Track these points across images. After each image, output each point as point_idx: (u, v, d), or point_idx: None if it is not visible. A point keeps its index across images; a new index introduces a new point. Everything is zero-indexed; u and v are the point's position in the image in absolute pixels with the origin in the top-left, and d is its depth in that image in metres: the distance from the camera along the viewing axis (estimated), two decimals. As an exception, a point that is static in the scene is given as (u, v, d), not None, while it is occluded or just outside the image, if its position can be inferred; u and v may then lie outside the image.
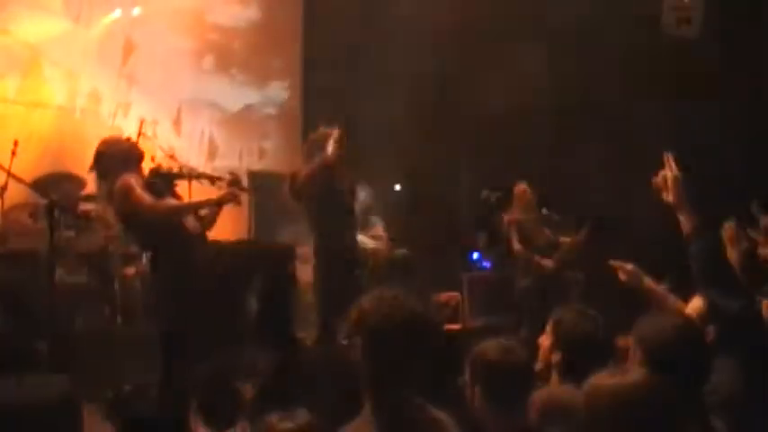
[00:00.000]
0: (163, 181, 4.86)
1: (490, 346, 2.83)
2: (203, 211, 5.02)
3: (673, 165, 2.90)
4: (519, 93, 8.39)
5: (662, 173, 2.90)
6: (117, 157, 4.76)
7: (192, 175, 5.04)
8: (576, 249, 7.29)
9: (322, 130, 5.85)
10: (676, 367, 2.54)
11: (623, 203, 8.36)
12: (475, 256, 8.79)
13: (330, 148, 5.61)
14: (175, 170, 5.01)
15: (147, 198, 4.59)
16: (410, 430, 2.48)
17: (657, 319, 2.82)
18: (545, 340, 3.18)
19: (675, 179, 2.83)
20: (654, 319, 2.83)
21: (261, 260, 4.80)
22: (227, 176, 5.17)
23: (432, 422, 2.55)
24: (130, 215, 4.72)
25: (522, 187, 7.46)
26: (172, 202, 4.68)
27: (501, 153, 8.65)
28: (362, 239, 6.17)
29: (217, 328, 4.70)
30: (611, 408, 2.27)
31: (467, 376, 2.87)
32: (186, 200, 5.01)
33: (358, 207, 6.14)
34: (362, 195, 6.48)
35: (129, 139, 4.94)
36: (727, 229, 3.61)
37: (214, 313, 4.64)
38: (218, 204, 4.94)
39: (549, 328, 3.20)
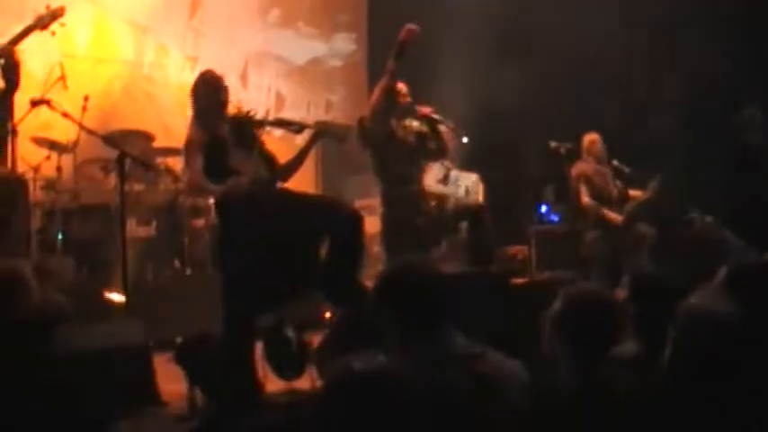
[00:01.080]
0: (239, 131, 4.80)
1: (583, 292, 2.75)
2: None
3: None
4: (590, 42, 8.23)
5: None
6: (202, 99, 4.75)
7: (276, 123, 4.96)
8: (646, 203, 7.15)
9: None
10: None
11: (696, 157, 8.18)
12: (543, 209, 8.69)
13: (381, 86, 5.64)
14: (258, 118, 4.93)
15: (195, 169, 4.59)
16: (471, 379, 2.48)
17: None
18: (620, 294, 3.08)
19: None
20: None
21: (329, 218, 4.75)
22: (312, 124, 5.08)
23: (497, 370, 2.54)
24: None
25: (591, 138, 7.32)
26: (206, 183, 4.66)
27: (571, 103, 8.50)
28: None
29: (282, 279, 4.70)
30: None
31: (547, 325, 2.81)
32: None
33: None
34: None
35: (221, 82, 4.87)
36: None
37: (279, 263, 4.63)
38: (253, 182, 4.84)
39: (625, 281, 3.11)
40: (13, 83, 4.96)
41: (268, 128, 4.97)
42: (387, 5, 8.98)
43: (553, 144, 7.40)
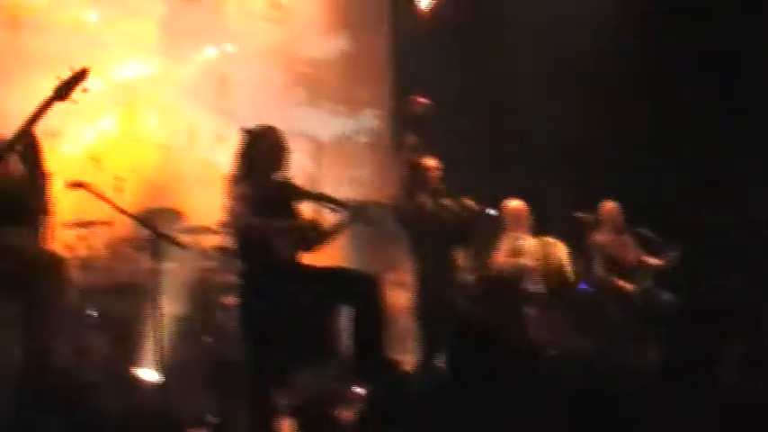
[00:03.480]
0: (283, 194, 4.84)
1: None
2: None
3: None
4: (601, 107, 8.35)
5: None
6: (255, 157, 4.78)
7: (317, 198, 4.98)
8: (657, 272, 7.15)
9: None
10: None
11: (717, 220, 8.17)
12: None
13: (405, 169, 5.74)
14: (304, 189, 4.97)
15: (240, 213, 4.58)
16: None
17: None
18: None
19: None
20: None
21: (348, 287, 4.78)
22: (347, 211, 5.10)
23: None
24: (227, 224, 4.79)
25: (609, 206, 7.37)
26: (254, 221, 4.64)
27: (587, 170, 8.56)
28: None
29: (301, 352, 4.72)
30: None
31: None
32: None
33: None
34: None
35: (275, 137, 4.90)
36: None
37: (299, 336, 4.65)
38: (290, 231, 4.87)
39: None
40: (36, 171, 4.28)
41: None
42: (410, 81, 9.14)
43: (579, 214, 7.43)
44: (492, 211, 7.36)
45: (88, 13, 7.94)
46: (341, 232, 5.07)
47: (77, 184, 5.31)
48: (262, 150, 4.79)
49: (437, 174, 5.94)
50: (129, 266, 6.87)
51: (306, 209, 5.16)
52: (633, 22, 8.57)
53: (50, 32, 7.62)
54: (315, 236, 4.97)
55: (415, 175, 5.83)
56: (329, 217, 5.08)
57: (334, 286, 4.73)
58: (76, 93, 4.21)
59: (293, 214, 4.90)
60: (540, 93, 8.74)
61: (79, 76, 4.18)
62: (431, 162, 5.97)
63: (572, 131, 8.66)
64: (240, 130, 4.94)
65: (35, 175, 4.26)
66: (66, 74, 4.21)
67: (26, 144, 4.18)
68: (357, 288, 4.71)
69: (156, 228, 5.23)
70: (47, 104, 4.09)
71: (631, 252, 7.31)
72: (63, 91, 4.13)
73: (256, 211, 4.60)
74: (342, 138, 9.34)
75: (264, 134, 4.86)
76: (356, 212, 5.01)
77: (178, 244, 5.55)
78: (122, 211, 5.32)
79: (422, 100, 5.64)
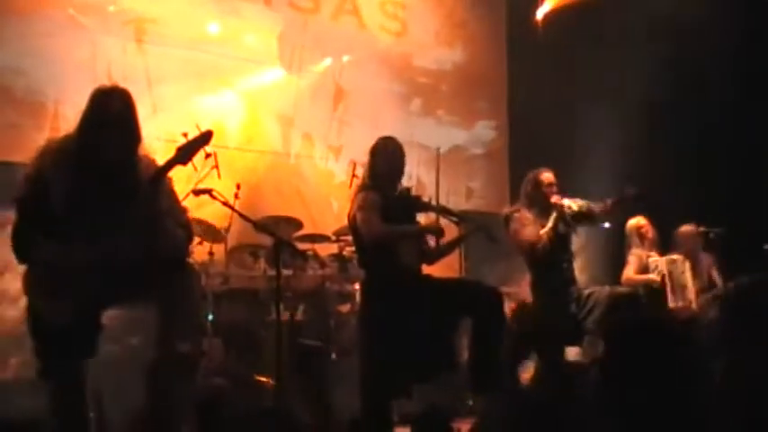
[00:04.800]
0: (405, 205, 4.90)
1: None
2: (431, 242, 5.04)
3: None
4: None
5: None
6: (380, 168, 4.84)
7: (438, 210, 5.03)
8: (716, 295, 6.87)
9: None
10: None
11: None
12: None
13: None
14: (425, 201, 5.03)
15: (374, 219, 4.64)
16: None
17: None
18: None
19: None
20: None
21: (470, 299, 4.77)
22: (467, 223, 5.12)
23: None
24: (354, 231, 4.84)
25: (683, 229, 7.14)
26: (386, 227, 4.69)
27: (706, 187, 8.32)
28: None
29: (421, 362, 4.72)
30: None
31: None
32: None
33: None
34: None
35: (398, 149, 4.97)
36: None
37: (419, 345, 4.66)
38: (420, 234, 4.95)
39: None
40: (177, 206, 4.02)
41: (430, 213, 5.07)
42: (526, 93, 9.08)
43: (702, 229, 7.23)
44: (606, 225, 7.24)
45: (210, 26, 8.13)
46: (460, 245, 5.07)
47: (203, 191, 5.42)
48: (384, 161, 4.85)
49: (552, 187, 5.87)
50: (245, 272, 6.99)
51: (422, 220, 5.21)
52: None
53: (173, 45, 7.83)
54: (435, 248, 5.00)
55: (533, 188, 5.79)
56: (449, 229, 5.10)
57: (457, 298, 4.74)
58: (197, 157, 3.84)
59: (414, 224, 4.94)
60: (653, 107, 8.55)
61: (203, 139, 3.79)
62: (547, 175, 5.91)
63: (691, 147, 8.45)
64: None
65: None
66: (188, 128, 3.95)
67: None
68: (479, 300, 4.70)
69: (277, 235, 5.29)
70: (169, 166, 3.75)
71: (705, 275, 7.05)
72: (185, 154, 3.74)
73: (384, 221, 4.65)
74: (457, 148, 9.33)
75: (386, 145, 4.92)
76: (476, 226, 5.03)
77: (298, 251, 5.62)
78: (245, 218, 5.40)
79: (630, 191, 5.68)
